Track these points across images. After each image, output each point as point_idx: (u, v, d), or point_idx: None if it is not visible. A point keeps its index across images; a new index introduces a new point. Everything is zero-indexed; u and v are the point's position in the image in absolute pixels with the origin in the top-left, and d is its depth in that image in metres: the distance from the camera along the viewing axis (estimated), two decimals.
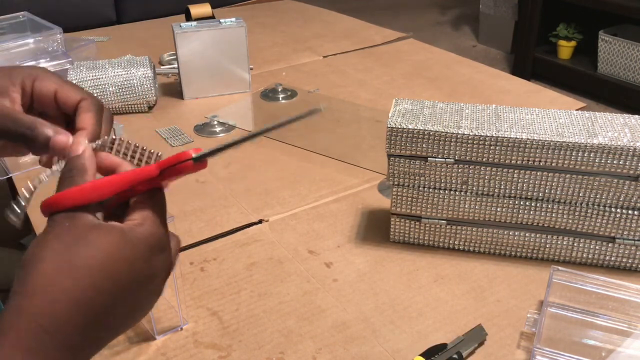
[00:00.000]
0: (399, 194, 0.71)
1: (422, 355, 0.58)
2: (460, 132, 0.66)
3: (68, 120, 0.47)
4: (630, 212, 0.65)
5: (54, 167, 0.42)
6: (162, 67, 1.36)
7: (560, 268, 0.64)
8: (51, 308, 0.34)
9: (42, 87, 0.45)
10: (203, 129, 1.06)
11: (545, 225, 0.69)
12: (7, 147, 0.48)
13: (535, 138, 0.64)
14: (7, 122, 0.43)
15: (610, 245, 0.68)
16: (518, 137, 0.64)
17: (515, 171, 0.66)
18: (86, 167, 0.41)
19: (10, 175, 0.94)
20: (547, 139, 0.64)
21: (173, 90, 1.23)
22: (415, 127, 0.67)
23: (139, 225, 0.39)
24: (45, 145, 0.43)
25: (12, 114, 0.43)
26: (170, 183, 0.41)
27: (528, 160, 0.65)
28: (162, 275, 0.40)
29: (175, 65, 1.21)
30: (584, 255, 0.69)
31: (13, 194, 0.93)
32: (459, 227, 0.71)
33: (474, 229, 0.71)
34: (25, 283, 0.35)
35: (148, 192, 0.41)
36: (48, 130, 0.43)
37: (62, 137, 0.42)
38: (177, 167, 0.39)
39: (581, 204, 0.67)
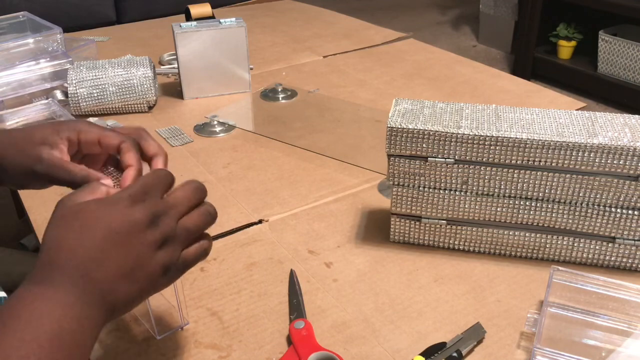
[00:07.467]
0: (399, 194, 0.71)
1: (421, 354, 0.58)
2: (460, 132, 0.66)
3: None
4: (630, 212, 0.65)
5: None
6: (162, 67, 1.36)
7: (560, 268, 0.64)
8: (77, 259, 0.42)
9: (87, 137, 0.55)
10: (203, 129, 1.06)
11: (545, 225, 0.69)
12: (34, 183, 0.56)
13: (535, 138, 0.64)
14: (61, 172, 0.53)
15: (610, 245, 0.68)
16: (518, 137, 0.64)
17: (515, 171, 0.66)
18: None
19: None
20: (547, 139, 0.64)
21: (173, 90, 1.23)
22: (415, 127, 0.67)
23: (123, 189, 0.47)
24: None
25: (64, 165, 0.53)
26: None
27: (528, 160, 0.65)
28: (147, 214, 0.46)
29: (175, 65, 1.21)
30: (584, 255, 0.69)
31: (13, 194, 0.93)
32: (459, 227, 0.71)
33: (474, 229, 0.71)
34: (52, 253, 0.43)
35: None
36: (96, 177, 0.53)
37: (107, 182, 0.52)
38: None
39: (581, 204, 0.67)
